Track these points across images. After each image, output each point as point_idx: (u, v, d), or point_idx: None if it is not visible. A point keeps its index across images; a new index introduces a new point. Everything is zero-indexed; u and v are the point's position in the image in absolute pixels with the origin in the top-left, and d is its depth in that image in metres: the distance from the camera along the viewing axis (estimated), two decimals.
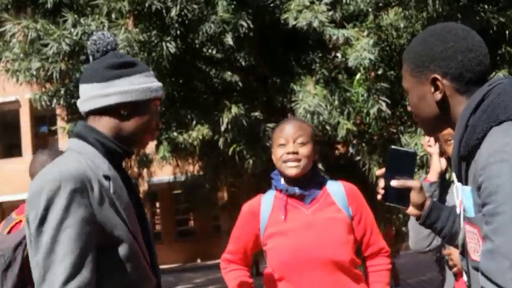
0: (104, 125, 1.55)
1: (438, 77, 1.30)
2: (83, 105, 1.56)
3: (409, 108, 1.43)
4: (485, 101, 1.26)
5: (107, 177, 1.48)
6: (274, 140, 2.14)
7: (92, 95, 1.53)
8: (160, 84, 1.60)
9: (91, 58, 1.59)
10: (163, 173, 9.93)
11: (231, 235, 2.23)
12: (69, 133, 5.89)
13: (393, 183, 1.49)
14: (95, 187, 1.43)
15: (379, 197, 1.54)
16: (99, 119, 1.55)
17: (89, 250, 1.38)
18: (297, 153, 2.07)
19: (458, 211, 1.39)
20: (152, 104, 1.58)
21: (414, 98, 1.37)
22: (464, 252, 1.38)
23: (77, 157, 1.48)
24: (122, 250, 1.46)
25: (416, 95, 1.36)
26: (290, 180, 2.11)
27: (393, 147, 1.53)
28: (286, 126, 2.12)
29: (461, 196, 1.30)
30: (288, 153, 2.06)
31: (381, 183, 1.52)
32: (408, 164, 1.50)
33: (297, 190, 2.09)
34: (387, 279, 2.19)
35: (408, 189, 1.50)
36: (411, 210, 1.53)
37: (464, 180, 1.30)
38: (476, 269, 1.27)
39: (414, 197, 1.51)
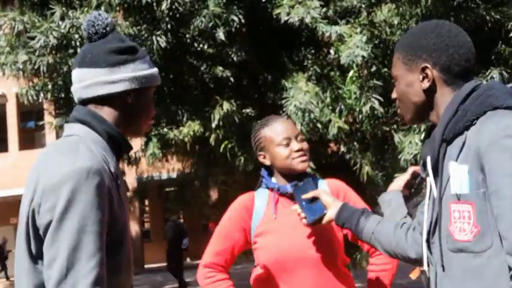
0: (108, 113, 1.47)
1: (429, 66, 1.41)
2: (83, 91, 1.47)
3: (394, 96, 1.51)
4: (475, 91, 1.38)
5: (115, 175, 1.43)
6: (270, 140, 2.09)
7: (95, 81, 1.45)
8: (157, 69, 1.55)
9: (87, 40, 1.52)
10: (153, 170, 9.84)
11: (215, 233, 2.13)
12: (56, 127, 5.80)
13: (304, 196, 1.88)
14: (110, 184, 1.39)
15: (304, 221, 1.88)
16: (101, 107, 1.47)
17: (104, 248, 1.35)
18: (302, 149, 2.08)
19: (435, 194, 1.42)
20: (151, 91, 1.55)
21: (402, 84, 1.46)
22: (429, 239, 1.43)
23: (90, 147, 1.40)
24: (120, 248, 1.42)
25: (404, 82, 1.46)
26: (285, 178, 2.09)
27: (294, 185, 2.01)
28: (282, 125, 2.10)
29: (455, 175, 1.34)
30: (297, 150, 2.07)
31: (299, 210, 1.89)
32: (308, 186, 1.97)
33: (289, 189, 2.06)
34: (388, 281, 2.16)
35: (318, 198, 1.86)
36: (328, 214, 1.83)
37: (441, 161, 1.38)
38: (460, 250, 1.32)
39: (325, 200, 1.85)
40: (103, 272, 1.32)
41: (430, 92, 1.42)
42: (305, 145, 2.09)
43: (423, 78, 1.42)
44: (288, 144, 2.06)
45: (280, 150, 2.06)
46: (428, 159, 1.42)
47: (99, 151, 1.42)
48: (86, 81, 1.46)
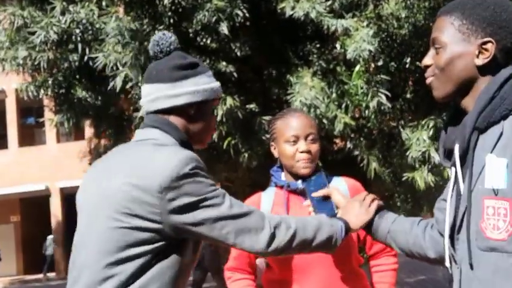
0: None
1: (494, 42, 1.29)
2: (150, 105, 1.60)
3: (428, 62, 1.37)
4: None
5: None
6: (280, 134, 2.04)
7: (159, 95, 1.58)
8: (219, 83, 1.67)
9: (153, 59, 1.65)
10: None
11: None
12: (57, 124, 5.72)
13: (314, 194, 1.81)
14: None
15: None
16: (167, 118, 1.59)
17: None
18: (309, 151, 2.00)
19: (461, 187, 1.33)
20: (213, 103, 1.66)
21: (451, 53, 1.34)
22: (453, 236, 1.35)
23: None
24: (187, 246, 1.54)
25: (454, 51, 1.33)
26: (292, 176, 2.04)
27: (305, 179, 1.96)
28: (295, 121, 2.03)
29: (491, 168, 1.25)
30: (302, 152, 1.99)
31: (310, 209, 1.81)
32: (320, 180, 1.91)
33: (299, 185, 2.00)
34: (393, 280, 2.12)
35: (329, 197, 1.79)
36: (340, 214, 1.74)
37: (471, 151, 1.29)
38: (492, 249, 1.24)
39: (337, 199, 1.77)
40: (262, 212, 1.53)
41: (482, 70, 1.31)
42: (314, 148, 2.00)
43: (479, 53, 1.30)
44: (295, 143, 1.99)
45: (286, 147, 2.00)
46: (456, 148, 1.31)
47: None
48: (152, 95, 1.59)
